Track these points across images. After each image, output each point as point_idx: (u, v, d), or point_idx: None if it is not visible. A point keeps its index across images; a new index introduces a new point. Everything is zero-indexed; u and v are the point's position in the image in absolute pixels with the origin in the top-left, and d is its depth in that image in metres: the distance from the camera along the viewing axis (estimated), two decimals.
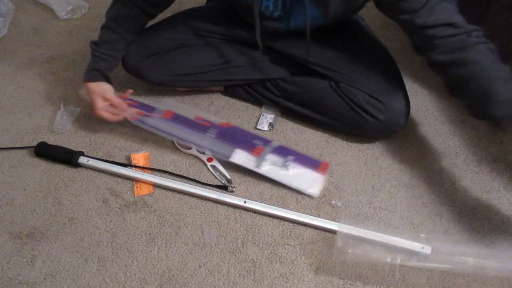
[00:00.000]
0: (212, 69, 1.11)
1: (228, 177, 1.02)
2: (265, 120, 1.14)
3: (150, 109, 1.11)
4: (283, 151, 1.04)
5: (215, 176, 1.03)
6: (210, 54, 1.11)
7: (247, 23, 1.11)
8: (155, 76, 1.13)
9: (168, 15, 1.19)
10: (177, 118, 1.09)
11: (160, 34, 1.12)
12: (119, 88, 1.26)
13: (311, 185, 0.99)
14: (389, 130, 1.05)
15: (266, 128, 1.12)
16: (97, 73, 1.07)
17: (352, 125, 1.04)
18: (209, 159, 1.05)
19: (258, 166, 1.00)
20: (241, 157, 1.02)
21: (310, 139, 1.10)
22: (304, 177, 1.00)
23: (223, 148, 1.04)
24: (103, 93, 1.06)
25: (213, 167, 1.04)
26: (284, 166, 1.00)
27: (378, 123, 1.01)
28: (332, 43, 1.07)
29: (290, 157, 1.02)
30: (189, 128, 1.07)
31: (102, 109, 1.05)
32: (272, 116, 1.15)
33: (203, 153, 1.06)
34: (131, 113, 1.08)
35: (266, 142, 1.06)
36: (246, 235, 0.92)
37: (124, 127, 1.15)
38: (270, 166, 1.01)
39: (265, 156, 1.02)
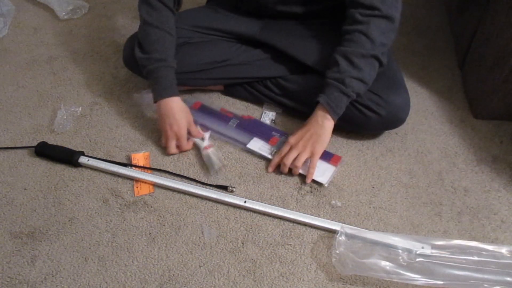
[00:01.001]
0: (213, 67, 1.11)
1: (217, 168, 1.03)
2: (267, 118, 1.14)
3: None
4: None
5: (204, 161, 1.05)
6: (211, 52, 1.11)
7: (247, 20, 1.11)
8: None
9: None
10: (204, 109, 1.17)
11: None
12: (119, 88, 1.26)
13: (322, 174, 1.01)
14: (390, 125, 1.05)
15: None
16: (169, 82, 1.04)
17: (353, 122, 1.05)
18: (206, 147, 1.06)
19: (271, 153, 1.05)
20: (256, 144, 1.08)
21: None
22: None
23: (241, 137, 1.10)
24: (189, 124, 1.06)
25: (207, 155, 1.05)
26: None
27: (379, 119, 1.01)
28: (331, 41, 1.07)
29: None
30: (213, 118, 1.14)
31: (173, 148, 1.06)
32: (274, 114, 1.15)
33: (202, 139, 1.08)
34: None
35: (283, 133, 1.10)
36: (246, 235, 0.92)
37: (124, 127, 1.15)
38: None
39: (280, 145, 1.05)
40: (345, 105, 0.98)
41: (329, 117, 0.98)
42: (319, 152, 1.00)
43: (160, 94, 1.04)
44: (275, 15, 1.11)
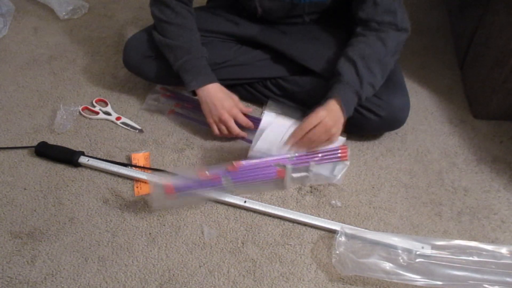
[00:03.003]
0: (213, 68, 1.11)
1: (138, 127, 1.13)
2: None
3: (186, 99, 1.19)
4: (302, 158, 0.99)
5: (127, 130, 1.14)
6: (211, 54, 1.11)
7: (247, 22, 1.11)
8: (155, 74, 1.13)
9: None
10: (182, 188, 0.94)
11: None
12: (119, 87, 1.26)
13: (337, 174, 1.01)
14: (390, 127, 1.06)
15: None
16: (197, 72, 1.03)
17: (352, 123, 1.04)
18: (118, 118, 1.16)
19: (286, 186, 1.00)
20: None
21: None
22: (329, 169, 1.01)
23: (248, 190, 0.99)
24: (230, 108, 1.04)
25: (124, 123, 1.15)
26: (308, 171, 0.99)
27: (379, 120, 1.01)
28: (330, 43, 1.07)
29: (313, 164, 0.98)
30: (203, 188, 0.95)
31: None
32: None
33: (110, 114, 1.17)
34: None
35: (284, 160, 0.98)
36: (246, 235, 0.92)
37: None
38: (297, 179, 1.00)
39: (289, 176, 0.98)
40: (353, 108, 0.96)
41: (341, 114, 0.94)
42: (338, 134, 0.96)
43: (191, 86, 1.04)
44: (280, 23, 1.12)
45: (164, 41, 1.05)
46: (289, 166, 0.96)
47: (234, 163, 0.96)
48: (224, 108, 1.03)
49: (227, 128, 1.05)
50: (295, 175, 0.99)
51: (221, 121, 1.04)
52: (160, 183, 0.93)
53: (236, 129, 1.05)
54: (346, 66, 0.96)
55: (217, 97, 1.03)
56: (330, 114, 0.93)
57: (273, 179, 0.98)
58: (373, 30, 0.97)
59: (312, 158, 0.98)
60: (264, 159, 0.97)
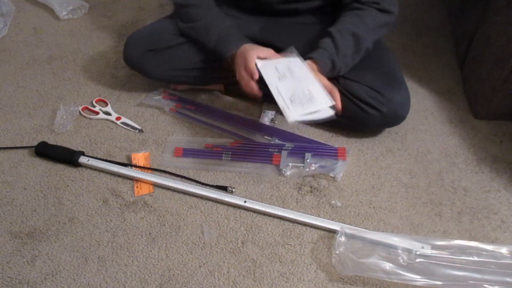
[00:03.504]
0: (214, 64, 1.11)
1: (138, 127, 1.14)
2: (266, 117, 1.14)
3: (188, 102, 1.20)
4: (299, 149, 1.06)
5: (127, 129, 1.14)
6: None
7: (247, 19, 1.11)
8: (155, 70, 1.13)
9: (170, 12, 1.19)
10: (188, 152, 1.08)
11: (163, 29, 1.13)
12: (119, 87, 1.26)
13: (338, 172, 1.02)
14: (391, 122, 1.06)
15: (267, 124, 1.14)
16: (235, 34, 1.03)
17: (353, 119, 1.05)
18: (118, 118, 1.15)
19: (282, 173, 1.03)
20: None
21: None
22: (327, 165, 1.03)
23: (241, 167, 1.05)
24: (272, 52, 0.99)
25: (124, 123, 1.14)
26: (306, 165, 1.02)
27: (380, 116, 1.02)
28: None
29: (308, 154, 1.04)
30: (203, 158, 1.07)
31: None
32: (273, 113, 1.15)
33: (110, 114, 1.17)
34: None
35: (281, 147, 1.06)
36: (246, 235, 0.92)
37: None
38: (293, 170, 1.03)
39: (285, 163, 1.03)
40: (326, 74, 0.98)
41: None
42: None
43: (225, 54, 1.01)
44: (276, 12, 1.11)
45: (190, 26, 1.07)
46: (285, 152, 1.02)
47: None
48: (254, 55, 0.96)
49: (250, 71, 0.95)
50: (291, 163, 1.03)
51: (250, 72, 0.95)
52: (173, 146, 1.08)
53: (254, 70, 0.94)
54: (324, 40, 1.00)
55: (247, 53, 0.97)
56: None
57: (269, 164, 1.04)
58: (353, 9, 1.02)
59: (310, 150, 1.04)
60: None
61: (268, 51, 0.99)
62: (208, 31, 1.05)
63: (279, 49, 1.10)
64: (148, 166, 1.05)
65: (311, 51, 1.01)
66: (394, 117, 1.04)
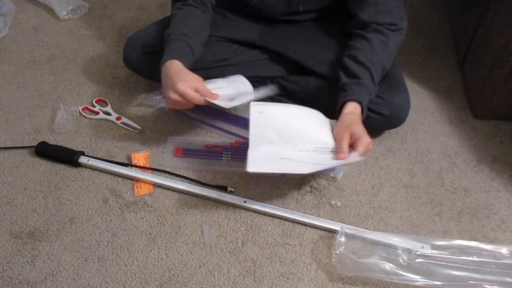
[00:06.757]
0: (214, 65, 1.11)
1: (139, 127, 1.13)
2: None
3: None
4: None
5: (127, 129, 1.14)
6: (210, 52, 1.11)
7: (246, 25, 1.11)
8: (154, 72, 1.13)
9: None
10: (189, 152, 1.08)
11: (163, 31, 1.12)
12: (119, 87, 1.26)
13: (338, 172, 1.01)
14: (391, 125, 1.06)
15: None
16: (170, 50, 0.97)
17: None
18: (118, 118, 1.16)
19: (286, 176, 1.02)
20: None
21: None
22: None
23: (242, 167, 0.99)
24: (191, 82, 0.93)
25: (124, 123, 1.14)
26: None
27: (382, 119, 1.02)
28: (329, 45, 1.07)
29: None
30: (203, 157, 1.06)
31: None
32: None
33: (110, 114, 1.17)
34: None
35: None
36: (246, 235, 0.92)
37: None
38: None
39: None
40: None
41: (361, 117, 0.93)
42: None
43: (162, 61, 0.97)
44: (276, 21, 1.12)
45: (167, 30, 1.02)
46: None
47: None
48: (181, 80, 0.91)
49: (183, 96, 0.91)
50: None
51: (175, 91, 0.90)
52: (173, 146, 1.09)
53: (191, 95, 0.91)
54: (361, 71, 0.95)
55: (177, 71, 0.93)
56: (358, 119, 0.92)
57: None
58: (374, 32, 0.97)
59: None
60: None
61: (195, 80, 0.93)
62: (167, 31, 1.01)
63: (278, 54, 1.10)
64: (148, 166, 1.05)
65: (344, 84, 0.95)
66: (395, 120, 1.04)
